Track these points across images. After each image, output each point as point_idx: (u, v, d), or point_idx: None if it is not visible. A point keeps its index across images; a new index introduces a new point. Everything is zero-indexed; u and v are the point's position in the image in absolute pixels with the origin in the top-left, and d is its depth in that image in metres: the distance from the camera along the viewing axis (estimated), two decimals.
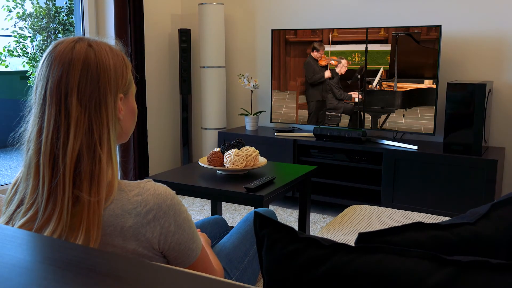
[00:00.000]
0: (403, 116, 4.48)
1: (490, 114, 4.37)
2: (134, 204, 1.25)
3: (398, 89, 4.45)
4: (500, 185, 4.26)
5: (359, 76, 4.62)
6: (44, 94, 1.25)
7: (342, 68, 4.65)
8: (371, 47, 4.55)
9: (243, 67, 5.72)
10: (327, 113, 4.81)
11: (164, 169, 5.81)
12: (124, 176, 5.02)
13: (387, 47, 4.49)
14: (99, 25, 5.02)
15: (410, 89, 4.41)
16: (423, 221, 1.58)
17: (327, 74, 4.72)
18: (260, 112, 5.42)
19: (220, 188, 2.89)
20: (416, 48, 4.35)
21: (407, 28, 4.40)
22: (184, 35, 5.63)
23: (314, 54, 4.74)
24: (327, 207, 4.92)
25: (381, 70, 4.52)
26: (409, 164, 4.29)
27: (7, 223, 1.26)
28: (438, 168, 4.16)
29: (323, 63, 4.73)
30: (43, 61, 1.29)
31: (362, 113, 4.65)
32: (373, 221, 2.68)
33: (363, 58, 4.59)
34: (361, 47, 4.60)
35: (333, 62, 4.67)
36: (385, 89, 4.51)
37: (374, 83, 4.56)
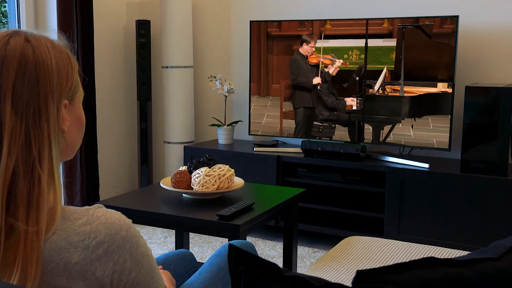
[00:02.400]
0: (412, 128, 4.51)
1: None
2: (81, 236, 1.25)
3: (405, 94, 4.48)
4: None
5: (357, 78, 4.64)
6: None
7: (334, 69, 4.72)
8: (372, 42, 4.58)
9: (215, 67, 5.73)
10: (318, 123, 4.84)
11: (118, 192, 5.77)
12: (69, 201, 5.03)
13: (391, 42, 4.51)
14: (38, 15, 5.01)
15: (420, 94, 4.44)
16: (435, 256, 1.58)
17: (316, 81, 4.79)
18: (236, 122, 5.41)
19: (187, 216, 2.90)
20: (427, 43, 4.38)
21: (416, 19, 4.42)
22: (143, 28, 5.63)
23: (304, 49, 4.78)
24: (318, 238, 4.91)
25: (384, 70, 4.54)
26: (419, 186, 4.29)
27: None
28: (455, 191, 4.18)
29: (313, 61, 4.76)
30: None
31: (361, 124, 4.67)
32: (374, 255, 2.68)
33: (362, 56, 4.62)
34: (360, 43, 4.63)
35: (327, 60, 4.71)
36: (389, 94, 4.54)
37: (376, 87, 4.58)
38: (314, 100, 4.86)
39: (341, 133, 4.80)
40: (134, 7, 5.90)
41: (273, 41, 4.96)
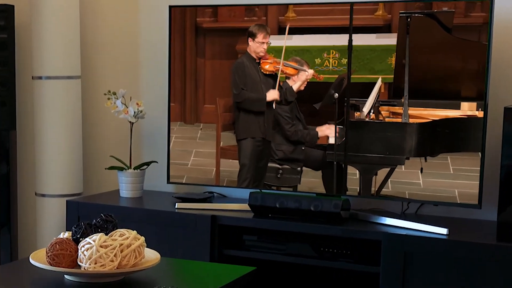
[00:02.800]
0: (421, 172, 4.41)
1: None
2: None
3: (411, 120, 4.39)
4: None
5: (336, 95, 4.52)
6: None
7: (300, 83, 4.66)
8: (360, 39, 4.52)
9: (114, 79, 5.66)
10: (275, 165, 4.75)
11: None
12: None
13: (389, 39, 4.47)
14: None
15: (434, 121, 4.37)
16: None
17: (271, 95, 4.71)
18: (148, 164, 5.33)
19: None
20: (445, 41, 4.33)
21: (428, 3, 4.38)
22: (2, 17, 5.54)
23: (252, 47, 4.69)
24: None
25: (379, 83, 4.46)
26: (432, 262, 4.18)
27: None
28: (488, 270, 4.05)
29: (268, 68, 4.67)
30: None
31: (342, 166, 4.58)
32: None
33: (344, 61, 4.54)
34: (341, 40, 4.55)
35: (289, 69, 4.62)
36: (387, 119, 4.51)
37: (366, 109, 4.47)
38: (268, 128, 4.76)
39: (312, 181, 4.74)
40: None
41: (205, 38, 4.92)
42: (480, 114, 4.27)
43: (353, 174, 4.60)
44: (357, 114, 4.56)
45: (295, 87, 4.65)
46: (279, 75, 4.67)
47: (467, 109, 4.33)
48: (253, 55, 4.73)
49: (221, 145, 4.94)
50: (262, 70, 4.72)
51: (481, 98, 4.26)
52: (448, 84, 4.38)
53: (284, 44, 4.67)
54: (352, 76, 4.52)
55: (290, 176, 4.75)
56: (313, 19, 4.65)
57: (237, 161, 4.89)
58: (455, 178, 4.36)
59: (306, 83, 4.65)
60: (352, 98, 4.56)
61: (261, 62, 4.71)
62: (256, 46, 4.69)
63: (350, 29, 4.48)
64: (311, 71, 4.61)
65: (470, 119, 4.31)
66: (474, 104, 4.29)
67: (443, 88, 4.40)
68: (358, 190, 4.61)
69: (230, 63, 4.84)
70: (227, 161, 4.93)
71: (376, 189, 4.56)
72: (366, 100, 4.52)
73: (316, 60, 4.62)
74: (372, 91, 4.50)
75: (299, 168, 4.72)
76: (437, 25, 4.32)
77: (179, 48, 4.98)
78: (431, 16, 4.34)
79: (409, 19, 4.36)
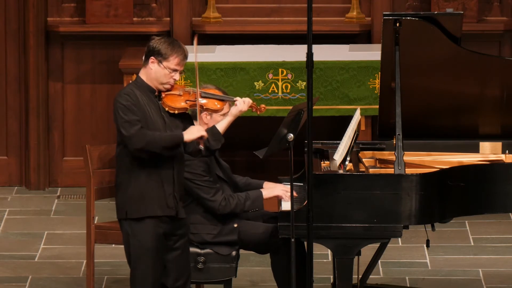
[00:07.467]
0: (426, 247, 4.15)
1: None
2: None
3: (409, 171, 3.81)
4: None
5: (290, 136, 3.64)
6: None
7: (225, 124, 3.88)
8: (325, 52, 4.64)
9: None
10: (194, 249, 4.05)
11: None
12: None
13: (369, 53, 4.79)
14: None
15: (443, 170, 3.83)
16: None
17: (192, 133, 3.69)
18: None
19: None
20: (452, 55, 4.00)
21: (426, 2, 4.49)
22: None
23: (154, 73, 3.63)
24: None
25: (357, 117, 3.98)
26: None
27: None
28: None
29: (178, 104, 3.68)
30: None
31: (304, 245, 4.02)
32: None
33: (303, 84, 4.52)
34: (295, 53, 4.96)
35: (210, 102, 3.76)
36: (372, 170, 4.05)
37: (338, 156, 3.86)
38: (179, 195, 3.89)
39: (254, 271, 4.87)
40: None
41: (64, 49, 4.76)
42: (508, 157, 3.99)
43: (322, 256, 4.32)
44: (324, 164, 4.06)
45: (220, 127, 3.66)
46: (198, 111, 3.58)
47: (489, 151, 3.99)
48: (151, 83, 3.60)
49: (95, 223, 4.12)
50: (167, 109, 3.60)
51: (508, 135, 4.00)
52: (460, 117, 3.98)
53: (195, 57, 3.58)
54: (315, 107, 3.88)
55: (220, 265, 3.96)
56: (248, 21, 4.12)
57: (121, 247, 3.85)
58: (478, 252, 3.96)
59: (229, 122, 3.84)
60: (317, 140, 4.00)
61: (163, 96, 3.62)
62: (163, 74, 3.54)
63: (309, 37, 3.49)
64: (246, 101, 3.63)
65: (495, 166, 3.84)
66: (499, 144, 3.95)
67: (452, 123, 3.99)
68: (331, 281, 4.24)
69: (109, 90, 4.02)
70: (104, 250, 4.15)
71: (360, 276, 4.03)
72: (339, 143, 3.91)
73: (256, 83, 4.11)
74: (347, 130, 3.93)
75: (233, 253, 3.94)
76: (439, 33, 3.87)
77: (14, 66, 4.20)
78: (430, 20, 3.88)
79: (398, 24, 3.81)
